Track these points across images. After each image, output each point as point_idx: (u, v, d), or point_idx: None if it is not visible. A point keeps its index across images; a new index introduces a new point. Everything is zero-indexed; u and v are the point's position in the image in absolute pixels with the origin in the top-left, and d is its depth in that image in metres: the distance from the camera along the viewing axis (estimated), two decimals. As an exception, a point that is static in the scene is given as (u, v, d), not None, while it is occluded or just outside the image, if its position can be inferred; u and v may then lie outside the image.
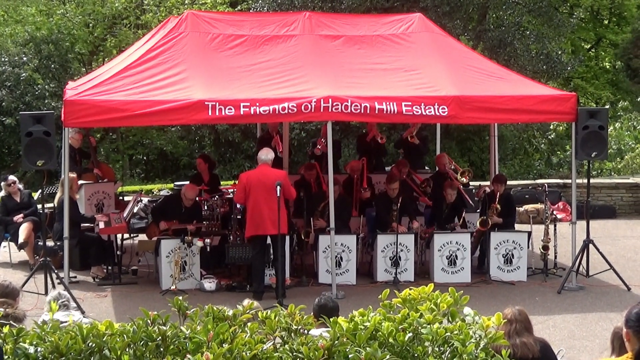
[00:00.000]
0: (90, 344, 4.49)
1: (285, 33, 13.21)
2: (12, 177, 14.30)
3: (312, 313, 5.53)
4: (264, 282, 11.74)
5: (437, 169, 15.36)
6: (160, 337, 4.51)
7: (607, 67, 34.67)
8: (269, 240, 11.71)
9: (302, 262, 13.07)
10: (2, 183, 14.13)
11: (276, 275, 11.54)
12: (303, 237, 12.84)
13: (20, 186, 14.45)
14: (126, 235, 13.64)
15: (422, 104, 11.79)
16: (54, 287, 11.23)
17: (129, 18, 24.05)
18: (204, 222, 13.11)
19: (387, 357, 4.36)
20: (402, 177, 13.97)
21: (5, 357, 4.42)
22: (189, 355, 4.39)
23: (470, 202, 14.06)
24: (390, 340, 4.52)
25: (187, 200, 12.84)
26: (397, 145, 16.86)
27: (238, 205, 13.44)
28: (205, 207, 13.47)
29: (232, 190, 14.29)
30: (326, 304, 6.67)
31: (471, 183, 15.48)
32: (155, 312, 4.67)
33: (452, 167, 14.80)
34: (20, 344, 4.53)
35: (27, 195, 14.23)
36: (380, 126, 17.68)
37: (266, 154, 11.99)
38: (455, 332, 4.56)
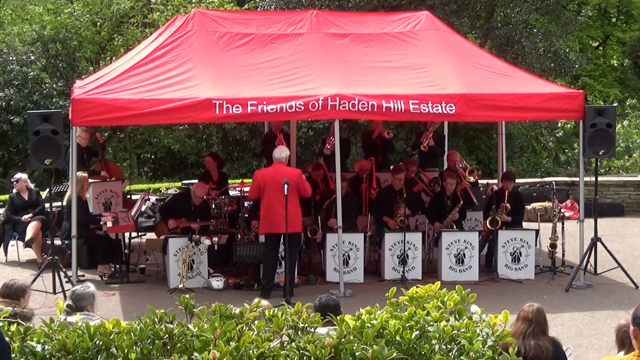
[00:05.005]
0: (97, 342, 4.51)
1: (293, 31, 13.20)
2: (18, 175, 14.35)
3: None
4: (274, 279, 11.72)
5: (445, 166, 15.32)
6: (167, 335, 4.52)
7: (615, 64, 34.56)
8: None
9: (309, 261, 13.06)
10: (12, 179, 14.25)
11: (285, 273, 11.53)
12: (310, 235, 12.82)
13: (32, 185, 14.47)
14: (134, 234, 13.66)
15: (430, 102, 11.77)
16: (61, 285, 11.26)
17: (136, 17, 24.08)
18: (212, 221, 13.12)
19: (394, 354, 4.36)
20: (410, 176, 13.94)
21: (13, 355, 4.43)
22: (195, 354, 4.40)
23: (475, 200, 13.99)
24: (397, 338, 4.52)
25: (196, 198, 12.86)
26: (413, 147, 16.56)
27: (246, 204, 13.44)
28: (213, 206, 13.48)
29: (239, 188, 14.30)
30: (327, 304, 6.58)
31: (479, 181, 15.43)
32: (163, 310, 4.68)
33: (462, 165, 14.74)
34: (28, 342, 4.54)
35: (35, 193, 14.25)
36: (388, 124, 17.64)
37: (280, 152, 11.88)
38: (462, 330, 4.56)
